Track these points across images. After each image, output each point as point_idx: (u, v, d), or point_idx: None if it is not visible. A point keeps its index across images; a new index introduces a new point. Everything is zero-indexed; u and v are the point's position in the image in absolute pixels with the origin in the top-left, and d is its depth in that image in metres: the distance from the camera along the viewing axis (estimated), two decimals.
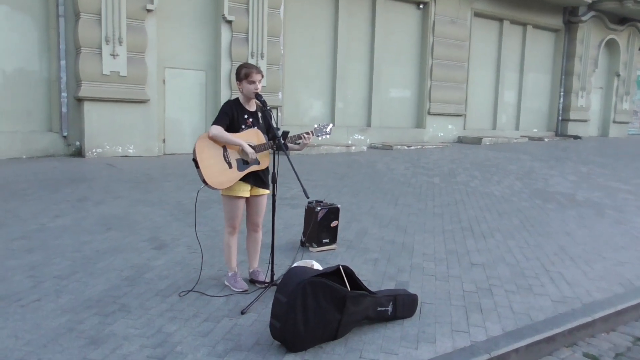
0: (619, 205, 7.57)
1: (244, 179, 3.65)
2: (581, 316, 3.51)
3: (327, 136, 3.92)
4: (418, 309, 3.49)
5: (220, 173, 3.56)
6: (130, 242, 4.92)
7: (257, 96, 3.64)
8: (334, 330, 2.98)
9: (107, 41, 10.51)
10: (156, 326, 3.14)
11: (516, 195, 8.09)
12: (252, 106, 3.74)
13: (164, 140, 11.93)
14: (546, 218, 6.57)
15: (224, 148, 3.59)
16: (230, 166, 3.58)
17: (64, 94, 10.72)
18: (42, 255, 4.44)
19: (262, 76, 3.70)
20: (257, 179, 3.73)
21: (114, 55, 10.61)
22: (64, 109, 10.75)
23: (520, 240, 5.43)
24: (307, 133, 3.79)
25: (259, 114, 3.77)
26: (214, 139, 3.56)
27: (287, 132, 3.77)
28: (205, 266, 4.19)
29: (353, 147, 13.89)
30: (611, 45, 22.34)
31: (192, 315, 3.32)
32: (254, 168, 3.66)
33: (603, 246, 5.34)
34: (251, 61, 11.87)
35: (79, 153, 10.90)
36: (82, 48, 10.36)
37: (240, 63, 3.87)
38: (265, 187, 3.79)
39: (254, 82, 3.61)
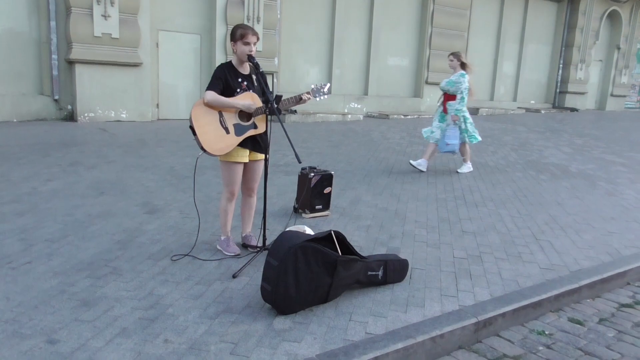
0: (611, 178, 7.60)
1: (242, 144, 3.61)
2: (568, 283, 3.55)
3: (325, 96, 3.86)
4: (408, 274, 3.52)
5: (218, 139, 3.52)
6: (122, 206, 4.91)
7: (250, 58, 3.57)
8: (324, 294, 3.01)
9: (98, 1, 10.26)
10: (148, 289, 3.16)
11: (510, 166, 8.10)
12: (245, 69, 3.68)
13: (157, 105, 11.81)
14: (539, 188, 6.59)
15: (220, 113, 3.55)
16: (227, 132, 3.54)
17: (54, 56, 10.52)
18: (33, 218, 4.43)
19: (258, 38, 3.62)
20: (255, 143, 3.69)
21: (105, 17, 10.39)
22: (54, 72, 10.57)
23: (512, 210, 5.46)
24: (308, 93, 3.75)
25: (253, 77, 3.71)
26: (209, 105, 3.51)
27: (281, 96, 3.72)
28: (197, 231, 4.20)
29: (349, 116, 13.82)
30: (613, 17, 22.06)
31: (183, 278, 3.34)
32: (252, 132, 3.62)
33: (593, 216, 5.38)
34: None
35: (70, 117, 10.79)
36: (72, 8, 10.12)
37: None
38: (263, 151, 3.75)
39: (248, 44, 3.53)
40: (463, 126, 7.06)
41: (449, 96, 7.07)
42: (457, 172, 7.29)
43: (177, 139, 9.08)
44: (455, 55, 7.11)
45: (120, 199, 5.14)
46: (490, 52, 18.86)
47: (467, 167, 7.37)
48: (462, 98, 6.91)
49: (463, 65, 7.03)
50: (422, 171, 7.19)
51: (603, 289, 3.77)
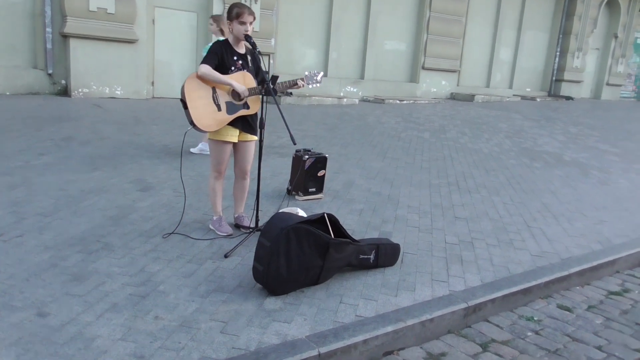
0: (604, 167, 7.64)
1: (233, 124, 3.59)
2: (558, 270, 3.59)
3: (318, 85, 3.86)
4: (400, 258, 3.54)
5: (209, 115, 3.49)
6: (115, 183, 4.88)
7: (247, 38, 3.53)
8: (315, 276, 3.02)
9: None
10: (139, 265, 3.16)
11: (504, 153, 8.12)
12: (241, 48, 3.64)
13: (152, 83, 11.67)
14: (532, 176, 6.62)
15: (214, 89, 3.51)
16: (219, 109, 3.51)
17: (48, 29, 10.32)
18: (25, 192, 4.40)
19: (254, 18, 3.58)
20: (245, 124, 3.67)
21: None
22: (48, 45, 10.38)
23: (505, 197, 5.48)
24: (302, 79, 3.74)
25: (249, 57, 3.67)
26: (202, 78, 3.47)
27: (277, 77, 3.70)
28: (190, 209, 4.19)
29: (345, 100, 13.74)
30: (612, 5, 21.95)
31: (175, 256, 3.34)
32: (243, 112, 3.60)
33: (586, 205, 5.42)
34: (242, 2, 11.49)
35: (64, 92, 10.65)
36: None
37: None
38: (254, 133, 3.74)
39: (244, 23, 3.49)
40: None
41: None
42: (190, 151, 6.41)
43: (172, 117, 9.01)
44: (216, 19, 6.14)
45: (114, 176, 5.11)
46: (488, 38, 18.72)
47: (199, 149, 6.42)
48: None
49: (223, 32, 6.05)
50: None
51: (593, 276, 3.82)
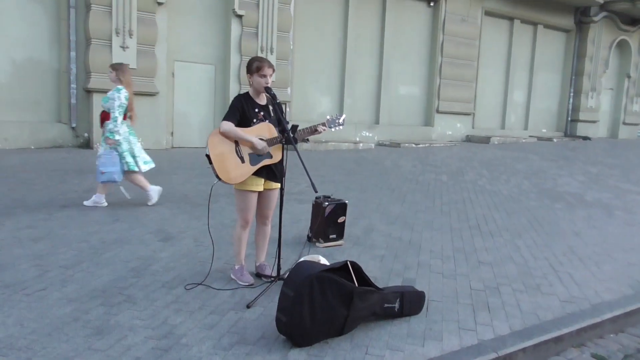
0: (628, 206, 7.49)
1: (257, 173, 3.63)
2: (589, 317, 3.47)
3: (341, 127, 3.89)
4: (425, 306, 3.45)
5: (233, 168, 3.54)
6: (136, 233, 4.92)
7: (267, 89, 3.62)
8: (340, 326, 2.96)
9: (117, 33, 10.53)
10: (161, 318, 3.13)
11: (524, 195, 8.03)
12: (262, 100, 3.72)
13: (172, 134, 11.94)
14: (555, 218, 6.51)
15: (236, 143, 3.57)
16: (242, 161, 3.57)
17: (73, 85, 10.75)
18: (48, 244, 4.44)
19: (274, 70, 3.68)
20: (270, 172, 3.71)
21: (124, 48, 10.63)
22: (73, 100, 10.78)
23: (529, 240, 5.38)
24: (322, 124, 3.79)
25: (270, 107, 3.75)
26: (224, 135, 3.54)
27: (297, 126, 3.76)
28: (211, 259, 4.18)
29: (361, 144, 13.86)
30: (622, 46, 22.15)
31: (197, 307, 3.30)
32: (267, 162, 3.64)
33: (612, 247, 5.28)
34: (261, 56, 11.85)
35: (87, 144, 10.94)
36: (92, 39, 10.38)
37: (250, 57, 3.85)
38: (278, 180, 3.77)
39: (265, 76, 3.59)
40: (120, 150, 5.86)
41: (107, 114, 5.86)
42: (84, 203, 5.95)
43: (191, 166, 9.14)
44: (115, 67, 5.94)
45: (135, 226, 5.15)
46: (500, 80, 18.94)
47: (92, 201, 5.93)
48: (115, 117, 5.72)
49: (122, 81, 5.87)
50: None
51: (626, 323, 3.67)
